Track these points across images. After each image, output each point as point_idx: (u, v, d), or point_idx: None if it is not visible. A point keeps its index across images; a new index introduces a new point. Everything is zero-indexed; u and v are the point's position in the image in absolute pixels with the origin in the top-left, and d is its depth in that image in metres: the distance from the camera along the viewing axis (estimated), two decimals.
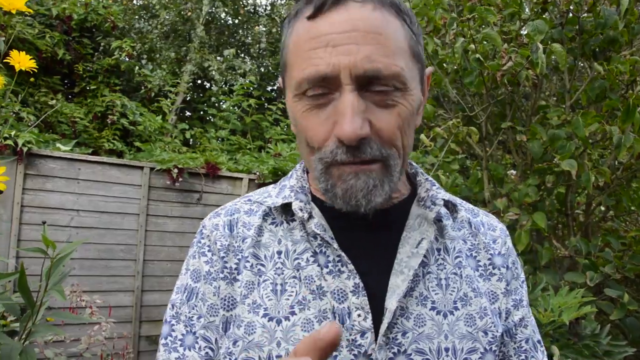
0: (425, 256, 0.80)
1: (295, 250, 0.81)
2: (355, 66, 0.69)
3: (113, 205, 3.90)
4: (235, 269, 0.82)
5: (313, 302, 0.77)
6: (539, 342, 0.89)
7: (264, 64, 9.14)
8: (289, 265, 0.80)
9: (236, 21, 9.49)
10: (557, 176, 2.98)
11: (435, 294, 0.79)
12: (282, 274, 0.79)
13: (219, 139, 6.15)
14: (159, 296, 4.11)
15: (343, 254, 0.77)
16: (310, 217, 0.80)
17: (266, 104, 7.94)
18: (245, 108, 6.59)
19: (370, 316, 0.75)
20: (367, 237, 0.81)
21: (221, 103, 7.81)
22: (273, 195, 0.87)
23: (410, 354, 0.75)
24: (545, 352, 0.90)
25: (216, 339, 0.80)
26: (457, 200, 0.91)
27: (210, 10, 8.08)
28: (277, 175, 4.53)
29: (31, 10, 1.50)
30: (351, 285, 0.76)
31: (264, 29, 9.19)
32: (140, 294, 4.01)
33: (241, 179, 4.49)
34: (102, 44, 6.27)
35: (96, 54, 6.24)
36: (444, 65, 3.23)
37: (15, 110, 4.46)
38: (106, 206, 3.87)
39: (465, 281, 0.82)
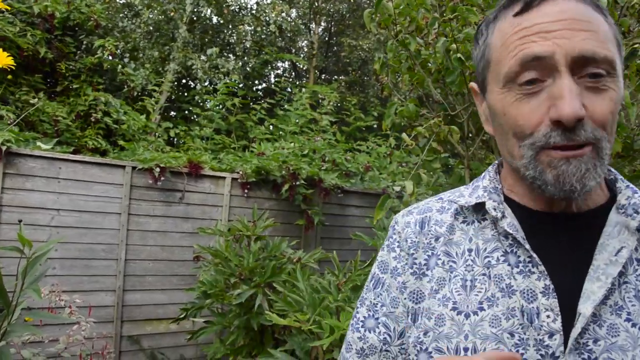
0: (623, 266, 0.78)
1: (485, 249, 0.83)
2: (573, 48, 0.71)
3: (94, 205, 3.87)
4: (425, 264, 0.87)
5: (502, 300, 0.78)
6: None
7: (250, 63, 9.12)
8: (479, 262, 0.83)
9: (221, 20, 9.45)
10: None
11: (632, 305, 0.76)
12: (472, 270, 0.83)
13: (203, 138, 6.12)
14: (141, 295, 4.08)
15: (534, 255, 0.78)
16: (503, 216, 0.83)
17: (251, 104, 7.92)
18: (230, 107, 6.58)
19: (559, 318, 0.75)
20: (559, 240, 0.81)
21: (205, 102, 7.78)
22: (466, 194, 0.90)
23: None
24: None
25: (394, 328, 0.88)
26: None
27: (194, 10, 8.04)
28: (260, 174, 4.52)
29: (9, 8, 1.49)
30: (541, 286, 0.77)
31: (249, 27, 9.17)
32: (122, 294, 3.97)
33: (224, 178, 4.47)
34: (84, 42, 6.21)
35: (79, 52, 6.18)
36: (428, 65, 3.25)
37: None
38: (87, 205, 3.84)
39: None
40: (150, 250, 4.12)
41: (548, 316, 0.75)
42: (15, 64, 1.53)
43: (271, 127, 6.74)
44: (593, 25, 0.74)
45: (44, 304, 2.51)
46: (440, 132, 3.15)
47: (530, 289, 0.77)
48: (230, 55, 9.31)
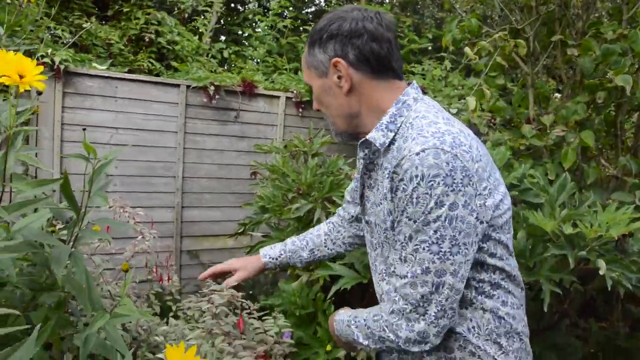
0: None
1: None
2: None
3: (151, 123, 3.91)
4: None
5: None
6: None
7: None
8: None
9: None
10: (609, 93, 2.85)
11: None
12: None
13: (255, 61, 6.05)
14: (198, 212, 4.18)
15: None
16: None
17: (301, 27, 7.75)
18: (281, 29, 6.44)
19: None
20: None
21: (256, 24, 7.64)
22: None
23: None
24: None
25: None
26: None
27: None
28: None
29: None
30: None
31: None
32: (180, 210, 4.08)
33: (278, 97, 4.43)
34: None
35: None
36: None
37: (50, 27, 4.44)
38: (144, 124, 3.89)
39: None
40: (207, 169, 4.18)
41: None
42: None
43: None
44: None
45: (109, 216, 2.58)
46: (505, 47, 3.00)
47: None
48: None
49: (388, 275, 1.29)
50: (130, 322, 2.19)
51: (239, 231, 3.13)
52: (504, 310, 1.25)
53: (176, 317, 2.59)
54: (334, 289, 2.27)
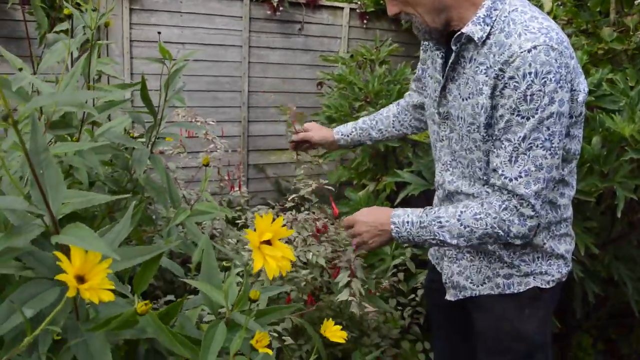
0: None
1: None
2: None
3: (216, 38, 3.92)
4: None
5: None
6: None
7: None
8: None
9: None
10: None
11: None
12: None
13: None
14: (265, 126, 4.23)
15: None
16: None
17: None
18: None
19: None
20: None
21: None
22: None
23: None
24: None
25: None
26: None
27: None
28: (379, 3, 4.32)
29: None
30: None
31: None
32: (246, 124, 4.14)
33: (342, 8, 4.33)
34: None
35: None
36: None
37: None
38: (210, 38, 3.90)
39: None
40: (272, 83, 4.19)
41: None
42: None
43: None
44: None
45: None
46: None
47: None
48: None
49: (477, 176, 1.33)
50: (207, 223, 2.30)
51: None
52: (561, 202, 1.32)
53: (245, 226, 2.69)
54: (401, 196, 2.29)
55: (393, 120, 1.75)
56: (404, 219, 1.34)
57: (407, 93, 1.76)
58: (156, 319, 0.72)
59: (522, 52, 1.12)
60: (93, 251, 0.60)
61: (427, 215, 1.32)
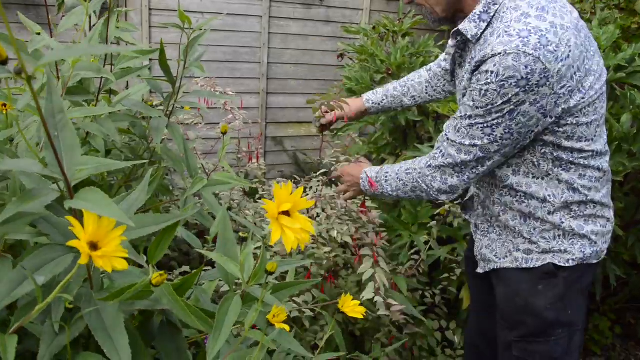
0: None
1: None
2: None
3: (236, 7, 3.86)
4: None
5: None
6: None
7: None
8: None
9: None
10: None
11: None
12: None
13: None
14: (283, 99, 4.19)
15: None
16: None
17: None
18: None
19: None
20: None
21: None
22: None
23: None
24: None
25: None
26: None
27: None
28: None
29: None
30: None
31: None
32: (265, 96, 4.10)
33: None
34: None
35: None
36: None
37: None
38: (229, 8, 3.84)
39: None
40: (292, 54, 4.14)
41: None
42: None
43: None
44: None
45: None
46: None
47: None
48: None
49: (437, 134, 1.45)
50: (224, 194, 2.28)
51: None
52: (580, 183, 1.31)
53: (262, 198, 2.66)
54: None
55: (426, 86, 1.74)
56: (367, 173, 1.54)
57: (441, 56, 1.74)
58: (171, 291, 0.70)
59: (492, 55, 1.15)
60: (107, 217, 0.58)
61: (381, 170, 1.51)
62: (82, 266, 0.59)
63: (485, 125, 1.23)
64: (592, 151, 1.29)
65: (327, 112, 1.79)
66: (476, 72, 1.21)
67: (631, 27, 2.37)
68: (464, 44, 1.36)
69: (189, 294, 1.02)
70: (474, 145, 1.27)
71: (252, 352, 0.80)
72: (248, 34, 3.95)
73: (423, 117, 2.49)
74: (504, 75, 1.14)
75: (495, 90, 1.16)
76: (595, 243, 1.36)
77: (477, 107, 1.22)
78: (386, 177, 1.49)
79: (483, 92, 1.18)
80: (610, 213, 1.41)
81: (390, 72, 2.49)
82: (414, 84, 1.76)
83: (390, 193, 1.48)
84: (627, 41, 2.35)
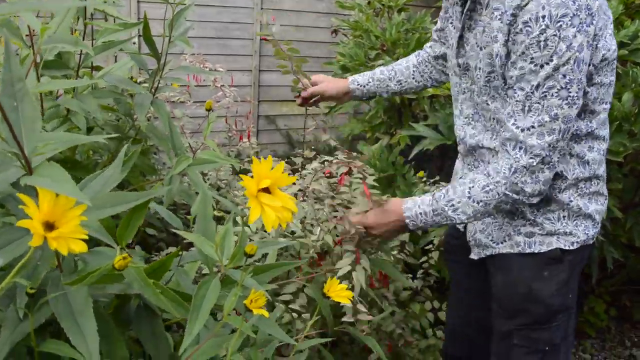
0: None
1: None
2: None
3: None
4: None
5: None
6: None
7: None
8: None
9: None
10: None
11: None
12: None
13: None
14: (276, 76, 4.11)
15: None
16: None
17: None
18: None
19: None
20: None
21: None
22: None
23: None
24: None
25: None
26: None
27: None
28: None
29: None
30: None
31: None
32: (257, 74, 4.02)
33: None
34: None
35: None
36: None
37: None
38: None
39: None
40: (285, 30, 4.05)
41: None
42: None
43: None
44: None
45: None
46: None
47: None
48: None
49: (498, 129, 1.28)
50: (212, 173, 2.23)
51: None
52: (590, 156, 1.25)
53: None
54: (416, 149, 2.21)
55: (413, 71, 1.66)
56: (416, 211, 1.30)
57: (428, 43, 1.67)
58: (141, 274, 0.65)
59: None
60: (64, 195, 0.53)
61: (437, 201, 1.27)
62: (38, 248, 0.54)
63: (559, 87, 1.09)
64: (605, 119, 1.26)
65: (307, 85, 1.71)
66: (521, 23, 1.09)
67: (635, 2, 2.31)
68: (475, 4, 1.24)
69: (170, 276, 0.97)
70: (556, 118, 1.12)
71: (233, 337, 0.76)
72: (240, 10, 3.85)
73: (418, 95, 2.43)
74: (557, 14, 1.04)
75: (554, 35, 1.05)
76: (598, 223, 1.33)
77: (541, 66, 1.09)
78: (453, 205, 1.26)
79: (542, 43, 1.07)
80: (605, 188, 1.37)
81: (385, 49, 2.42)
82: (401, 68, 1.67)
83: (465, 220, 1.27)
84: (629, 17, 2.29)
